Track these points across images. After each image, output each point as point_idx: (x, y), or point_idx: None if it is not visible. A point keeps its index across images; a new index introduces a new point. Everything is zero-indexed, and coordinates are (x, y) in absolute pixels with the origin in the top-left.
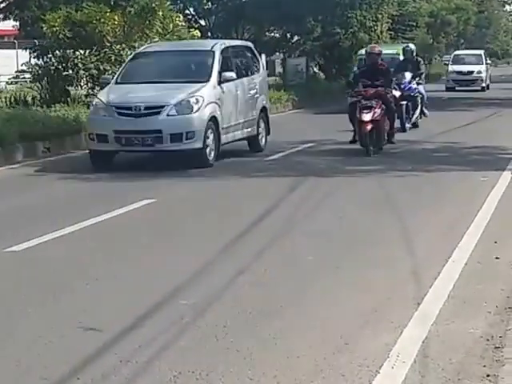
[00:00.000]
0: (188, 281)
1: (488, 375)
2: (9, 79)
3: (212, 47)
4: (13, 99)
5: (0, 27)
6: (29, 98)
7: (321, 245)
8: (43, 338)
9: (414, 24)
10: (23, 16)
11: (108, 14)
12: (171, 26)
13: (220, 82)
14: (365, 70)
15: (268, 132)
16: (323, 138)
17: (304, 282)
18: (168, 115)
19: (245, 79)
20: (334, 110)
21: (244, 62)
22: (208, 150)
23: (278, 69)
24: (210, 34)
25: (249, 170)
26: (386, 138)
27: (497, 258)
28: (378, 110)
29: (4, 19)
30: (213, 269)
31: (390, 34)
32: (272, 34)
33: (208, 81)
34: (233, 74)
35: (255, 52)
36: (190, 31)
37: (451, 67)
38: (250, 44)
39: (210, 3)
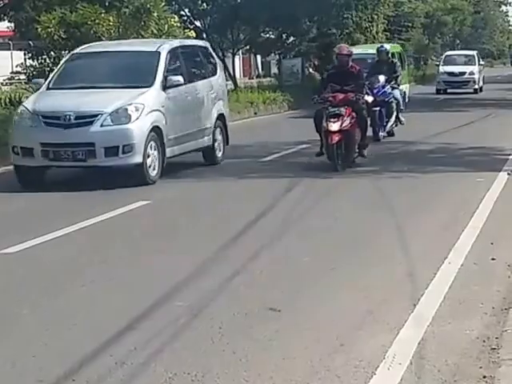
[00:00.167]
0: (183, 282)
1: (484, 376)
2: (4, 80)
3: (158, 48)
4: (8, 100)
5: None
6: (24, 99)
7: (316, 246)
8: (38, 339)
9: (410, 25)
10: (18, 17)
11: (103, 15)
12: (166, 27)
13: (166, 87)
14: (334, 73)
15: (226, 142)
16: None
17: (300, 283)
18: (102, 126)
19: (198, 83)
20: None
21: (198, 64)
22: (149, 165)
23: (274, 69)
24: (205, 35)
25: (244, 171)
26: (357, 150)
27: (493, 259)
28: (347, 119)
29: None
30: (208, 270)
31: (386, 35)
32: (267, 35)
33: (151, 86)
34: (180, 78)
35: (212, 53)
36: (185, 32)
37: (442, 68)
38: (206, 44)
39: (205, 4)
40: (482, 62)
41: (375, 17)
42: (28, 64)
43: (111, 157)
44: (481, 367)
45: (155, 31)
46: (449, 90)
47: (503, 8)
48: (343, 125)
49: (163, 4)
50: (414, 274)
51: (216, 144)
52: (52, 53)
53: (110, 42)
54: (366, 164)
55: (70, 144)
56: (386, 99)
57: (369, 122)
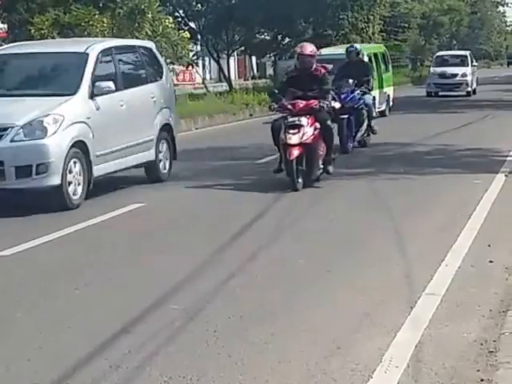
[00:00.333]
0: (179, 285)
1: (482, 380)
2: None
3: (86, 49)
4: None
5: None
6: None
7: (312, 248)
8: (33, 342)
9: (406, 25)
10: (11, 19)
11: (97, 17)
12: (161, 28)
13: (93, 95)
14: (295, 77)
15: (174, 156)
16: None
17: (295, 285)
18: (13, 141)
19: (136, 89)
20: None
21: (138, 68)
22: (71, 187)
23: (269, 71)
24: (199, 36)
25: (239, 174)
26: (322, 166)
27: (490, 261)
28: (309, 130)
29: None
30: (204, 273)
31: (382, 36)
32: (262, 36)
33: (75, 93)
34: (110, 84)
35: (157, 55)
36: (179, 33)
37: (433, 69)
38: (149, 44)
39: (199, 5)
40: (475, 63)
41: (371, 17)
42: None
43: (23, 178)
44: (478, 370)
45: (149, 32)
46: (440, 93)
47: (500, 8)
48: (304, 137)
49: (157, 5)
50: (410, 276)
51: (160, 158)
52: None
53: (34, 42)
54: (361, 166)
55: None
56: (356, 106)
57: (336, 132)
